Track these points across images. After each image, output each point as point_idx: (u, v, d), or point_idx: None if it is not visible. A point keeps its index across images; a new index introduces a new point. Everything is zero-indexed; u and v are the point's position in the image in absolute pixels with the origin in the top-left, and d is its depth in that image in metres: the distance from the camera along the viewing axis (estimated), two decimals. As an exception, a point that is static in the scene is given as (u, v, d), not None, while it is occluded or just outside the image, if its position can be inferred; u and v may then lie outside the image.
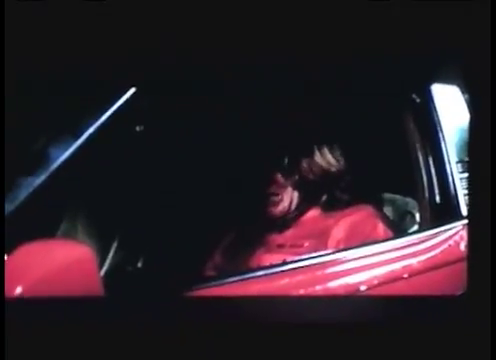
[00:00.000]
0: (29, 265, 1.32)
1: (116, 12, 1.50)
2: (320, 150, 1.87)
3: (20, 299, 1.31)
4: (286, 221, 1.89)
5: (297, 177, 1.86)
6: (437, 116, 1.81)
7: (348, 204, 1.88)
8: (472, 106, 1.50)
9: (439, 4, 1.49)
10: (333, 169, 1.87)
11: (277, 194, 1.87)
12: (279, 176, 1.86)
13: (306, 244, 1.81)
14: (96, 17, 1.49)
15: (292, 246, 1.82)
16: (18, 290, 1.30)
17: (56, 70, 1.54)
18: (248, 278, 1.57)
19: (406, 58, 1.60)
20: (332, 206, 1.89)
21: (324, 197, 1.89)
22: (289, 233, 1.88)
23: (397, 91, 1.82)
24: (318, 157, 1.86)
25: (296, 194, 1.88)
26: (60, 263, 1.33)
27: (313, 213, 1.90)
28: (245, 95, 1.79)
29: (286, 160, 1.85)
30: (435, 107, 1.82)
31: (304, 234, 1.86)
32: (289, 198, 1.87)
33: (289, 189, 1.87)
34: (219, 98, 1.79)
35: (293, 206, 1.88)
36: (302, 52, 1.55)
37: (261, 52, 1.55)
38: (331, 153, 1.87)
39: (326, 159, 1.86)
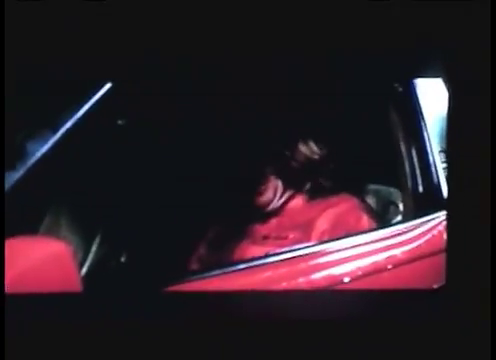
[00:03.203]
0: (7, 261, 1.32)
1: (114, 12, 1.50)
2: (303, 138, 1.86)
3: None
4: (271, 210, 1.89)
5: (280, 165, 1.86)
6: (419, 106, 1.81)
7: (332, 192, 1.88)
8: (452, 96, 1.50)
9: (438, 4, 1.49)
10: (316, 157, 1.87)
11: (261, 183, 1.87)
12: (263, 165, 1.86)
13: (291, 236, 1.81)
14: (96, 17, 1.49)
15: (276, 238, 1.82)
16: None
17: (37, 64, 1.54)
18: (231, 271, 1.57)
19: (390, 49, 1.60)
20: (316, 194, 1.89)
21: (308, 185, 1.90)
22: (273, 223, 1.88)
23: (380, 81, 1.81)
24: (301, 145, 1.86)
25: (280, 183, 1.88)
26: (37, 259, 1.33)
27: (297, 202, 1.90)
28: (229, 87, 1.78)
29: (270, 149, 1.85)
30: (417, 97, 1.82)
31: (288, 225, 1.85)
32: (273, 187, 1.87)
33: (272, 178, 1.87)
34: (202, 89, 1.77)
35: (278, 195, 1.88)
36: (287, 45, 1.55)
37: (247, 46, 1.55)
38: (314, 141, 1.86)
39: (309, 147, 1.86)
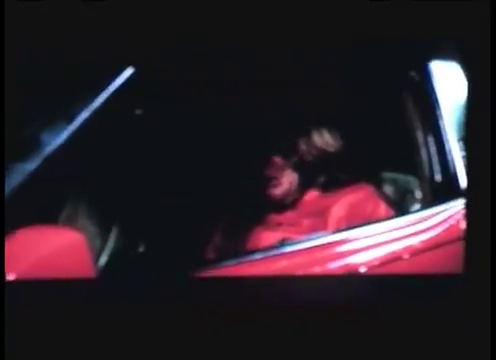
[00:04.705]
0: (23, 251, 1.35)
1: (116, 11, 1.50)
2: (318, 131, 1.86)
3: (15, 282, 1.33)
4: (286, 202, 1.88)
5: (296, 159, 1.86)
6: (436, 94, 1.80)
7: (348, 183, 1.87)
8: (471, 84, 1.49)
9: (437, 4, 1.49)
10: (331, 149, 1.86)
11: (276, 177, 1.86)
12: (278, 159, 1.85)
13: (305, 223, 1.82)
14: (96, 16, 1.49)
15: (291, 225, 1.82)
16: (12, 275, 1.34)
17: (52, 54, 1.54)
18: (247, 261, 1.58)
19: (404, 37, 1.59)
20: (331, 186, 1.88)
21: (323, 178, 1.89)
22: (288, 212, 1.88)
23: (396, 70, 1.80)
24: (316, 138, 1.86)
25: (296, 176, 1.87)
26: (51, 248, 1.36)
27: (313, 193, 1.89)
28: (244, 79, 1.78)
29: (284, 142, 1.85)
30: (435, 85, 1.81)
31: (303, 213, 1.85)
32: (289, 181, 1.87)
33: (288, 172, 1.87)
34: (219, 82, 1.78)
35: (293, 188, 1.87)
36: (300, 35, 1.55)
37: (261, 36, 1.55)
38: (329, 133, 1.86)
39: (325, 139, 1.85)
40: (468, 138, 1.53)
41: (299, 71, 1.74)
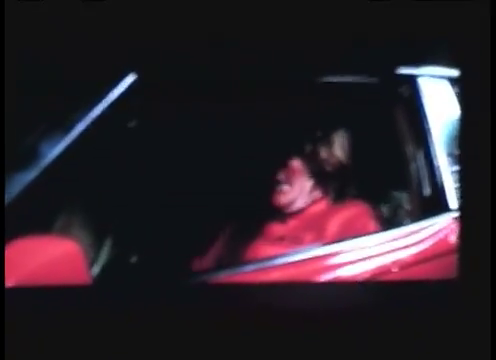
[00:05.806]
0: (19, 260, 1.35)
1: (116, 11, 1.51)
2: (338, 141, 1.87)
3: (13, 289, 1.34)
4: (289, 210, 1.87)
5: (315, 167, 1.85)
6: (424, 110, 1.82)
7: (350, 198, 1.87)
8: (470, 85, 1.50)
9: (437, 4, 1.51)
10: (348, 162, 1.87)
11: (289, 183, 1.85)
12: (296, 163, 1.85)
13: (307, 238, 1.80)
14: (96, 17, 1.51)
15: (293, 239, 1.81)
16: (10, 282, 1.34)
17: (48, 65, 1.56)
18: (239, 273, 1.58)
19: (404, 37, 1.60)
20: (338, 199, 1.88)
21: (334, 189, 1.88)
22: (290, 225, 1.86)
23: (385, 86, 1.83)
24: (337, 148, 1.86)
25: (309, 184, 1.87)
26: (47, 257, 1.36)
27: (320, 205, 1.88)
28: (251, 80, 1.76)
29: (307, 148, 1.85)
30: (424, 100, 1.83)
31: (304, 226, 1.84)
32: (299, 188, 1.86)
33: (303, 178, 1.86)
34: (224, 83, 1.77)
35: (301, 197, 1.86)
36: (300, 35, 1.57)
37: (260, 37, 1.56)
38: (350, 147, 1.87)
39: (345, 151, 1.87)
40: (461, 152, 1.54)
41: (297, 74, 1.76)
